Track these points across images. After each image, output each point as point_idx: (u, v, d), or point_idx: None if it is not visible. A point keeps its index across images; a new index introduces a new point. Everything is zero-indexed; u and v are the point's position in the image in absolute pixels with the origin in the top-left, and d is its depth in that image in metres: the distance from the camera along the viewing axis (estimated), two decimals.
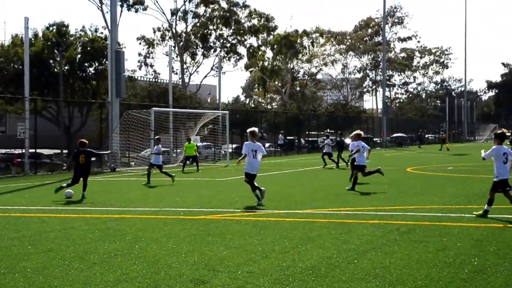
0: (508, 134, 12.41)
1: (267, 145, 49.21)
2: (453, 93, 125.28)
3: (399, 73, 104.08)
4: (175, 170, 26.53)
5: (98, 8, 53.91)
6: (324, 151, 29.47)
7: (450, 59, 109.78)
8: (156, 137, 22.53)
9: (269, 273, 7.29)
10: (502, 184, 11.64)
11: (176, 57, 61.69)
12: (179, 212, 12.99)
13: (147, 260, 8.10)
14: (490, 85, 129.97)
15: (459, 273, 7.13)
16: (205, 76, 70.44)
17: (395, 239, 9.35)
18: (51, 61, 45.13)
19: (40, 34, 45.92)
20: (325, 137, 30.73)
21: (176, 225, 11.13)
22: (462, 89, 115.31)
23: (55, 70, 44.36)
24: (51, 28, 45.92)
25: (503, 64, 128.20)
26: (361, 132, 18.46)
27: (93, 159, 21.01)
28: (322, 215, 12.16)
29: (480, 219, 11.33)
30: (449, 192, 16.35)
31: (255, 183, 14.07)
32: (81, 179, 16.44)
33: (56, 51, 44.63)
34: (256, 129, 14.83)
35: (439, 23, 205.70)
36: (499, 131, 12.11)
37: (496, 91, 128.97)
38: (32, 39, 43.62)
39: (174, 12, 61.76)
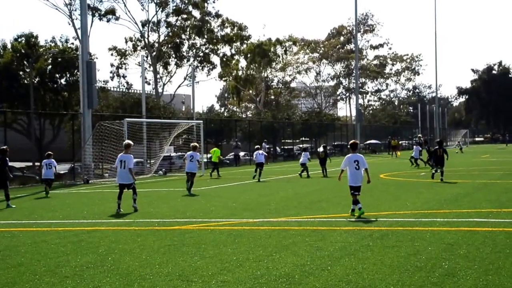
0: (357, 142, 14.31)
1: (242, 153, 49.21)
2: (424, 99, 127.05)
3: (372, 81, 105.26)
4: (149, 182, 26.34)
5: (69, 19, 53.61)
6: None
7: (421, 65, 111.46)
8: (48, 152, 23.02)
9: (243, 282, 7.29)
10: (354, 189, 12.92)
11: (149, 67, 61.42)
12: (153, 223, 12.91)
13: (120, 272, 8.03)
14: (461, 91, 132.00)
15: (430, 277, 7.22)
16: (179, 86, 70.25)
17: (368, 244, 9.43)
18: (20, 73, 44.62)
19: (9, 46, 45.39)
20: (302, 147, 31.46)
21: (150, 236, 11.06)
22: (433, 95, 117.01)
23: (25, 81, 43.85)
24: (19, 39, 45.41)
25: (472, 70, 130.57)
26: (197, 144, 22.24)
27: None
28: (296, 223, 12.20)
29: (450, 222, 11.49)
30: (421, 198, 16.55)
31: (135, 192, 15.59)
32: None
33: (25, 63, 44.13)
34: (130, 142, 16.31)
35: (410, 30, 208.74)
36: (351, 142, 13.69)
37: (466, 97, 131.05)
38: (1, 50, 43.12)
39: (145, 22, 61.55)
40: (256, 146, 30.44)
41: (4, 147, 18.76)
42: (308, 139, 65.10)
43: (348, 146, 14.03)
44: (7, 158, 18.34)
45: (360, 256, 8.55)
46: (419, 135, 37.57)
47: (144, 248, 9.77)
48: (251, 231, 11.32)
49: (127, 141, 16.64)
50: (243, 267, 8.10)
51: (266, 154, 29.20)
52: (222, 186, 23.80)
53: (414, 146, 34.60)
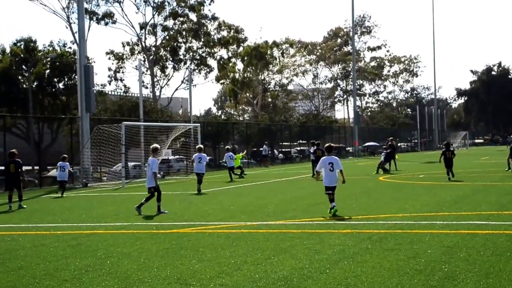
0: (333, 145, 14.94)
1: None
2: (423, 101, 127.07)
3: (370, 82, 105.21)
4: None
5: (66, 23, 53.56)
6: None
7: (419, 67, 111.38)
8: (62, 155, 24.20)
9: (241, 285, 7.27)
10: (329, 189, 13.61)
11: (146, 71, 61.41)
12: (151, 226, 12.89)
13: (118, 275, 8.01)
14: (460, 93, 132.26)
15: (429, 280, 7.20)
16: (176, 89, 69.87)
17: (367, 247, 9.40)
18: (19, 77, 44.57)
19: (8, 50, 45.36)
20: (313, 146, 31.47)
21: (148, 239, 11.03)
22: (432, 97, 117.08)
23: (24, 86, 43.80)
24: (18, 44, 45.38)
25: (471, 71, 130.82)
26: (202, 146, 23.76)
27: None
28: (294, 226, 12.19)
29: (450, 225, 11.48)
30: (421, 200, 16.53)
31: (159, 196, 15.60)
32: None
33: (24, 67, 44.09)
34: (157, 146, 16.30)
35: (408, 32, 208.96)
36: (326, 145, 14.30)
37: (466, 98, 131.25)
38: (0, 55, 43.09)
39: (143, 26, 61.57)
40: (226, 147, 33.09)
41: (13, 150, 19.06)
42: (305, 141, 65.10)
43: (324, 148, 14.63)
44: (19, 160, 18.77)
45: (358, 259, 8.52)
46: (390, 138, 36.94)
47: (142, 251, 9.75)
48: (249, 234, 11.30)
49: (154, 144, 16.56)
50: (241, 270, 8.09)
51: (233, 155, 30.22)
52: (219, 189, 23.74)
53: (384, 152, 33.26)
